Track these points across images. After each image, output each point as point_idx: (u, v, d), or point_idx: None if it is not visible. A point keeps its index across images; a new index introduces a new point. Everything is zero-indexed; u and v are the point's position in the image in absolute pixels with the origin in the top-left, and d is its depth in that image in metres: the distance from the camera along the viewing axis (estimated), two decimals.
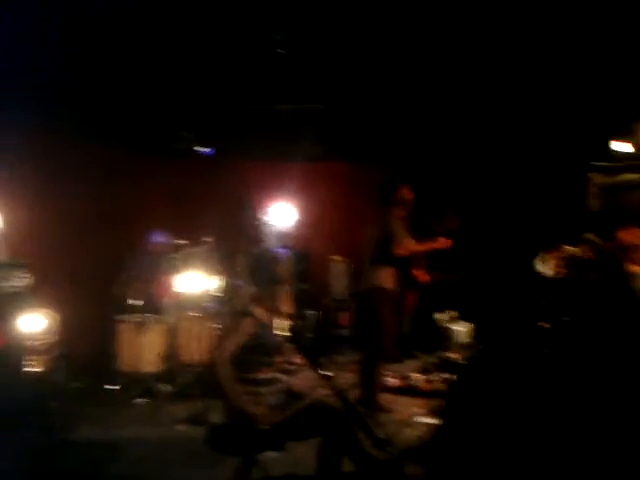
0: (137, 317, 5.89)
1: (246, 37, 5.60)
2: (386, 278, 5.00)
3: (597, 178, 8.30)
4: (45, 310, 4.88)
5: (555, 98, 6.85)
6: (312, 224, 8.31)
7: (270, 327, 3.42)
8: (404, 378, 6.18)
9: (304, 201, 8.14)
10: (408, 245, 4.99)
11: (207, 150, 7.64)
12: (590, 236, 5.02)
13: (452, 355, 6.60)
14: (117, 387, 5.78)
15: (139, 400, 5.64)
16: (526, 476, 1.51)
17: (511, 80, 6.56)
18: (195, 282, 5.97)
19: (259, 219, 6.21)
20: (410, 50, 6.04)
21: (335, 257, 8.40)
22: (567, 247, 5.40)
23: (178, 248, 6.27)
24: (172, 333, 6.02)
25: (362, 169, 8.43)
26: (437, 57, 6.16)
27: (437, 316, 7.24)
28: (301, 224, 8.06)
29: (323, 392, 3.57)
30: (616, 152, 7.47)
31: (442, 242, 5.31)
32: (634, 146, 7.27)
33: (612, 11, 5.28)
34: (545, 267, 5.86)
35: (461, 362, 5.76)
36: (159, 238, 6.46)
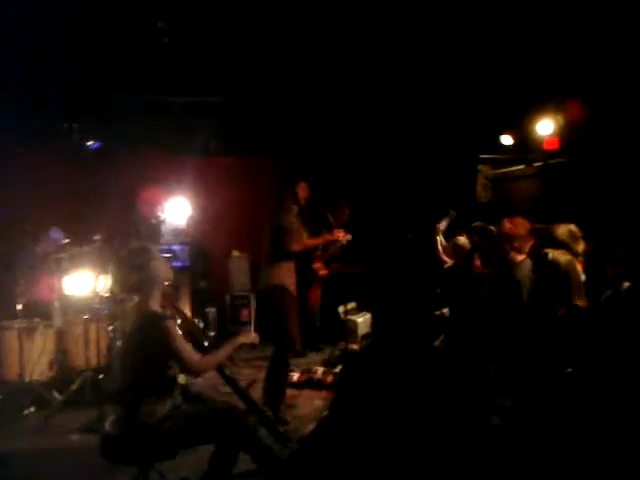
0: (22, 322, 5.51)
1: (130, 25, 5.39)
2: (285, 274, 4.97)
3: (486, 170, 8.71)
4: None
5: (446, 93, 7.08)
6: (210, 220, 8.15)
7: None
8: (308, 372, 6.19)
9: (201, 196, 7.97)
10: (302, 240, 4.99)
11: (94, 143, 7.25)
12: (478, 225, 5.24)
13: (353, 346, 6.69)
14: (1, 398, 5.38)
15: (28, 410, 5.28)
16: (406, 469, 1.51)
17: (404, 74, 6.72)
18: (84, 283, 5.68)
19: (153, 216, 6.00)
20: (302, 45, 6.05)
21: (235, 253, 8.29)
22: (458, 237, 5.62)
23: (66, 247, 5.92)
24: (61, 338, 5.69)
25: (260, 163, 8.37)
26: (327, 52, 6.21)
27: (340, 308, 7.33)
28: (199, 220, 7.88)
29: (224, 390, 3.48)
30: (504, 145, 7.84)
31: (335, 234, 5.37)
32: (520, 140, 7.66)
33: (502, 12, 5.52)
34: (443, 256, 6.09)
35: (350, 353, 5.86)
36: (54, 236, 6.06)
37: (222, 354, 3.30)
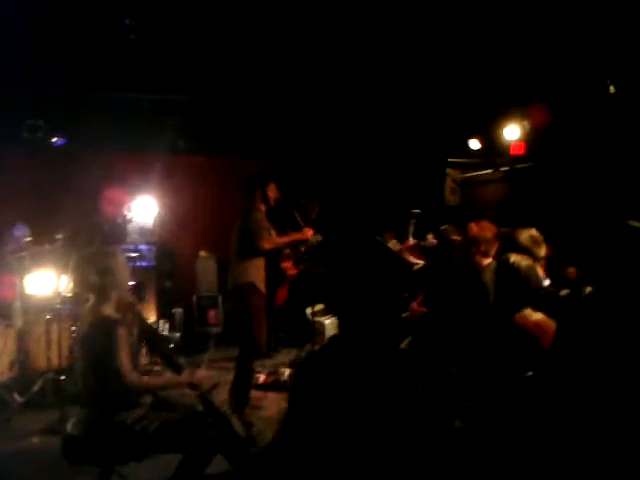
0: None
1: (97, 21, 5.32)
2: (254, 274, 4.95)
3: (454, 174, 8.81)
4: None
5: (416, 97, 7.14)
6: (178, 219, 8.07)
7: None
8: (274, 373, 6.17)
9: (169, 195, 7.89)
10: (272, 238, 4.98)
11: (58, 140, 7.12)
12: (446, 229, 5.29)
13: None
14: None
15: None
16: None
17: (373, 77, 6.75)
18: (46, 282, 5.56)
19: (118, 215, 5.90)
20: (271, 44, 6.03)
21: (202, 253, 8.22)
22: (428, 239, 5.66)
23: (28, 245, 5.79)
24: (22, 338, 5.58)
25: (228, 162, 8.32)
26: (295, 52, 6.21)
27: (307, 310, 7.31)
28: (166, 219, 7.79)
29: (189, 392, 3.44)
30: (472, 150, 7.94)
31: (304, 233, 5.38)
32: (488, 144, 7.76)
33: (469, 19, 5.59)
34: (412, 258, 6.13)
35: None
36: (17, 232, 5.92)
37: (161, 382, 3.37)
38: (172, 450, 3.19)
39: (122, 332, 3.02)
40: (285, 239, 5.37)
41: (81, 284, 3.19)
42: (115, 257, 3.23)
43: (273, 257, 5.19)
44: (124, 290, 3.28)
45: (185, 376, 3.43)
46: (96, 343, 3.01)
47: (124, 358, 2.99)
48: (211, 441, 3.17)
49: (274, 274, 5.19)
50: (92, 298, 3.16)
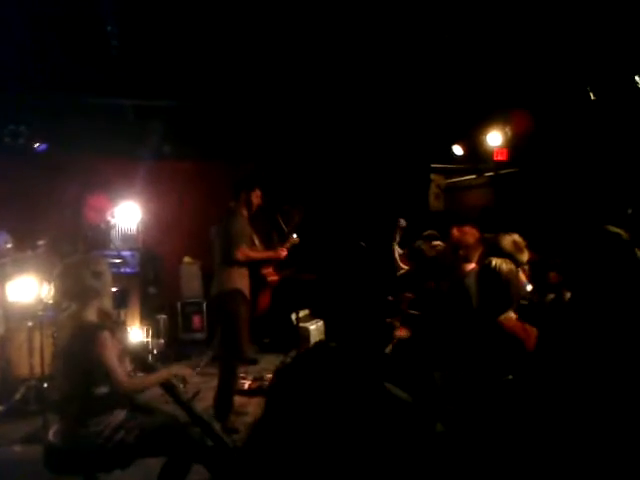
0: None
1: (80, 27, 5.30)
2: (236, 280, 4.94)
3: (438, 179, 8.86)
4: None
5: (399, 104, 7.18)
6: (162, 225, 8.03)
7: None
8: (259, 379, 6.16)
9: (153, 201, 7.85)
10: (245, 251, 4.94)
11: (40, 146, 7.06)
12: (430, 234, 5.31)
13: None
14: None
15: None
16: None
17: (358, 84, 6.78)
18: (28, 289, 5.51)
19: (101, 220, 5.86)
20: (256, 49, 6.04)
21: (186, 259, 8.18)
22: (414, 244, 5.67)
23: (9, 252, 5.74)
24: (4, 345, 5.54)
25: (213, 168, 8.30)
26: (280, 58, 6.22)
27: (292, 315, 7.30)
28: (149, 225, 7.75)
29: (169, 399, 3.43)
30: (455, 155, 7.99)
31: (278, 253, 5.35)
32: (471, 150, 7.82)
33: (453, 26, 5.64)
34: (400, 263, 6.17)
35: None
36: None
37: (151, 380, 3.33)
38: (154, 454, 3.19)
39: (107, 335, 3.02)
40: (259, 254, 5.24)
41: (65, 290, 3.16)
42: (104, 263, 3.25)
43: (253, 263, 5.16)
44: (108, 297, 3.28)
45: (165, 372, 3.42)
46: (80, 349, 3.00)
47: (112, 361, 2.99)
48: (193, 443, 3.18)
49: (255, 280, 5.16)
50: (74, 305, 3.14)
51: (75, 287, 3.11)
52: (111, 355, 3.00)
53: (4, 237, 5.83)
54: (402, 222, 6.53)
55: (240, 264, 4.93)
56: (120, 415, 3.11)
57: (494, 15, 5.35)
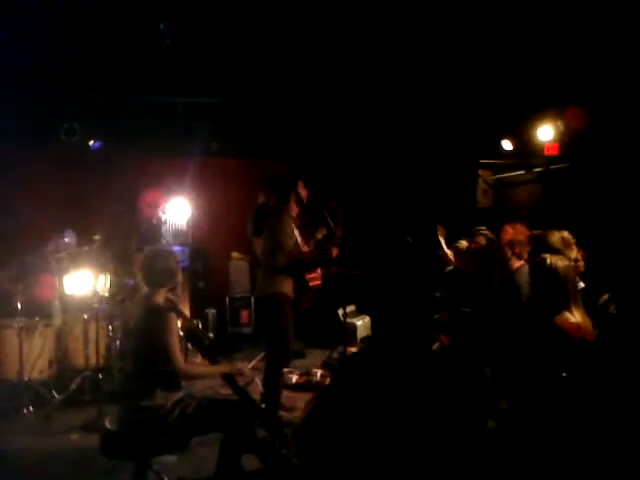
0: (22, 321, 5.51)
1: (132, 26, 5.41)
2: (281, 283, 4.91)
3: (486, 175, 8.72)
4: None
5: (447, 98, 7.10)
6: (210, 221, 8.16)
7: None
8: (306, 374, 6.19)
9: (202, 197, 7.97)
10: (288, 257, 4.89)
11: (95, 143, 7.25)
12: (483, 230, 5.24)
13: (352, 349, 6.68)
14: (0, 396, 5.38)
15: (27, 409, 5.27)
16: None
17: (405, 79, 6.74)
18: (84, 282, 5.68)
19: (153, 216, 5.98)
20: (303, 48, 6.06)
21: (235, 254, 8.28)
22: (462, 241, 5.62)
23: (68, 247, 5.93)
24: (61, 337, 5.71)
25: (260, 165, 8.37)
26: (327, 55, 6.22)
27: (339, 311, 7.32)
28: (199, 221, 7.89)
29: (223, 392, 3.52)
30: (504, 150, 7.86)
31: (329, 252, 5.30)
32: (521, 145, 7.68)
33: (504, 18, 5.55)
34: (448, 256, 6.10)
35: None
36: (67, 238, 6.06)
37: (208, 371, 3.51)
38: (211, 429, 3.30)
39: (173, 318, 3.24)
40: (305, 255, 5.12)
41: (153, 272, 3.40)
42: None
43: (298, 267, 5.11)
44: (179, 285, 3.57)
45: (226, 366, 3.54)
46: (149, 328, 3.23)
47: (175, 344, 3.19)
48: (248, 418, 3.29)
49: (298, 284, 5.11)
50: (149, 288, 3.41)
51: (163, 270, 3.38)
52: (174, 337, 3.19)
53: (70, 234, 6.04)
54: (440, 228, 6.41)
55: (285, 269, 4.93)
56: (180, 393, 3.28)
57: (548, 7, 5.24)
